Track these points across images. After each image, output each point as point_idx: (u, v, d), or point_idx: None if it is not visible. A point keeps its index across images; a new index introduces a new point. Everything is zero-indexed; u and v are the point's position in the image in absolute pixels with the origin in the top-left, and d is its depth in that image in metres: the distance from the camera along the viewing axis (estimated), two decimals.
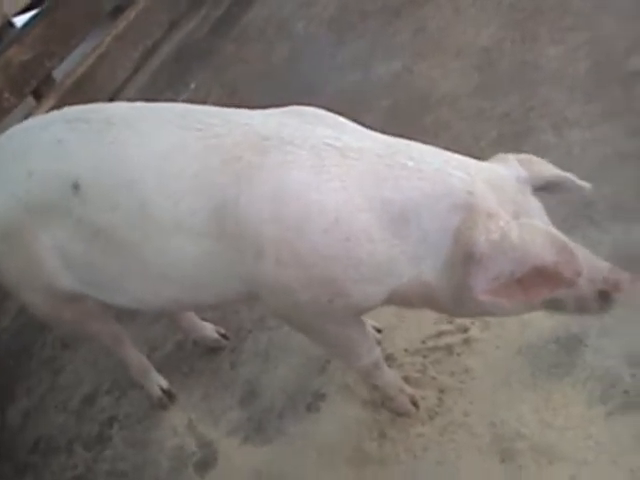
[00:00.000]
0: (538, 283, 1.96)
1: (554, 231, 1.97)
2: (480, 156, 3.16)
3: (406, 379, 2.70)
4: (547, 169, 2.17)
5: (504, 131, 3.54)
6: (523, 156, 2.19)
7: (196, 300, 2.45)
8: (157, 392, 3.10)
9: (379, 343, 2.76)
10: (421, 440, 2.58)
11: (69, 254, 2.35)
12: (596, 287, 2.02)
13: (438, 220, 2.03)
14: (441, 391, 2.67)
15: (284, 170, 2.05)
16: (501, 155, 2.21)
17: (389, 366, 2.65)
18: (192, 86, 5.17)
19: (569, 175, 2.18)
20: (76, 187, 2.24)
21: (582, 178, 2.87)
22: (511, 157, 2.18)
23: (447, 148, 3.11)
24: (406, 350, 2.82)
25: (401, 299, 2.20)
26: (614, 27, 3.89)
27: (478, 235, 1.95)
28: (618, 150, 3.18)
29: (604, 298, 2.05)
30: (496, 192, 2.04)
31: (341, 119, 2.25)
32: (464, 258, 1.99)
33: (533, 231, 1.95)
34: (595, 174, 2.99)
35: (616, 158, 3.16)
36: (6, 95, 4.39)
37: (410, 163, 2.07)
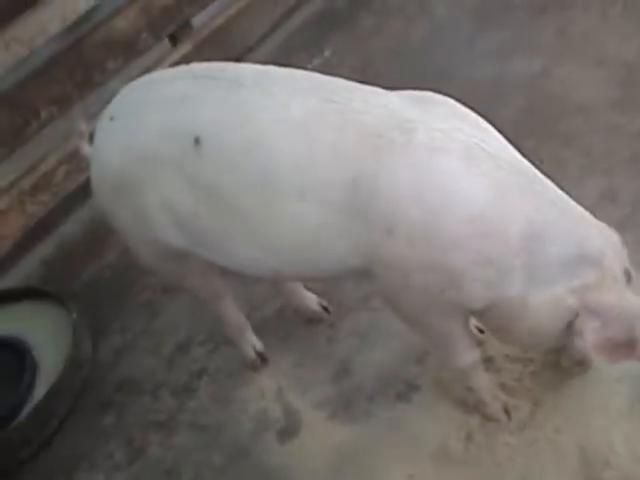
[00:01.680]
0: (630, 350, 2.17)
1: None
2: (609, 172, 3.17)
3: (502, 385, 2.73)
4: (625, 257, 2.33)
5: (637, 150, 3.51)
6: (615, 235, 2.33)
7: (299, 272, 2.55)
8: (251, 353, 3.17)
9: (481, 344, 2.79)
10: (507, 450, 2.60)
11: (178, 211, 2.42)
12: None
13: (565, 259, 2.20)
14: (535, 404, 2.69)
15: (432, 153, 2.13)
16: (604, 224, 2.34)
17: (487, 369, 2.71)
18: (326, 53, 5.16)
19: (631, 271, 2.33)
20: (197, 142, 2.29)
21: None
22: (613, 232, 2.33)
23: (577, 159, 3.13)
24: (507, 356, 2.84)
25: (494, 312, 2.31)
26: None
27: (606, 297, 2.18)
28: None
29: None
30: (617, 258, 2.24)
31: (482, 121, 2.34)
32: (585, 312, 2.19)
33: None
34: None
35: None
36: (144, 36, 4.55)
37: (556, 199, 2.24)
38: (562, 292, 2.21)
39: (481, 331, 2.88)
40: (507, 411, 2.67)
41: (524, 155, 2.31)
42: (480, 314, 2.39)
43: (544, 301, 2.23)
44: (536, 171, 2.27)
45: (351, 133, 2.18)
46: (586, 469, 2.49)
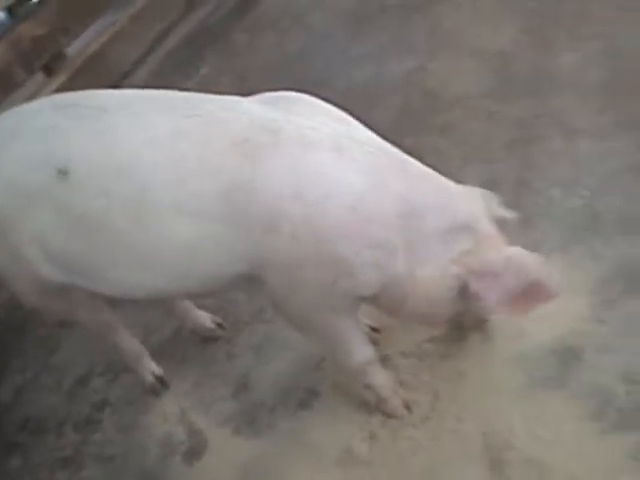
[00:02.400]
0: (534, 296, 2.23)
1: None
2: (489, 159, 3.24)
3: (400, 382, 2.76)
4: (496, 206, 2.45)
5: (514, 136, 3.61)
6: (482, 191, 2.45)
7: (185, 288, 2.53)
8: (150, 378, 3.16)
9: (376, 343, 2.81)
10: (411, 444, 2.63)
11: (52, 244, 2.40)
12: None
13: (441, 230, 2.27)
14: (434, 396, 2.73)
15: (302, 148, 2.18)
16: (469, 187, 2.44)
17: (383, 367, 2.72)
18: (202, 71, 5.24)
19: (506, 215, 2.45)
20: (64, 173, 2.29)
21: (590, 188, 2.96)
22: (477, 190, 2.43)
23: (457, 149, 3.20)
24: (402, 352, 2.88)
25: (387, 295, 2.36)
26: (632, 37, 3.93)
27: (487, 255, 2.27)
28: (629, 163, 3.24)
29: None
30: (487, 216, 2.35)
31: (342, 113, 2.41)
32: (473, 275, 2.26)
33: (526, 254, 2.26)
34: (604, 185, 3.06)
35: (626, 171, 3.21)
36: (16, 69, 4.45)
37: (424, 176, 2.33)
38: (445, 262, 2.29)
39: (375, 330, 2.91)
40: (407, 406, 2.70)
41: (405, 152, 2.36)
42: (374, 300, 2.42)
43: (431, 275, 2.30)
44: (402, 153, 2.34)
45: (218, 143, 2.21)
46: (489, 453, 2.52)
